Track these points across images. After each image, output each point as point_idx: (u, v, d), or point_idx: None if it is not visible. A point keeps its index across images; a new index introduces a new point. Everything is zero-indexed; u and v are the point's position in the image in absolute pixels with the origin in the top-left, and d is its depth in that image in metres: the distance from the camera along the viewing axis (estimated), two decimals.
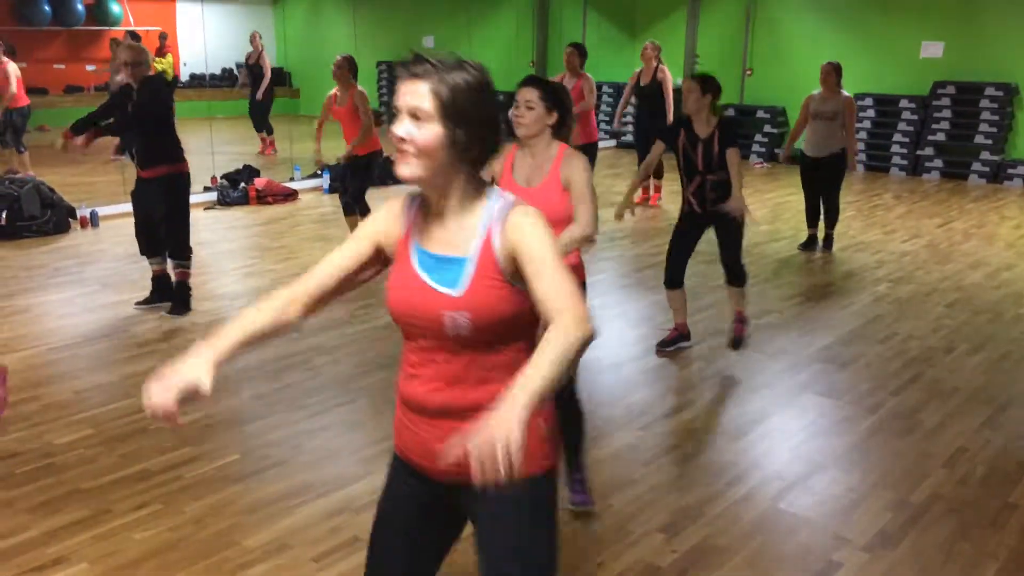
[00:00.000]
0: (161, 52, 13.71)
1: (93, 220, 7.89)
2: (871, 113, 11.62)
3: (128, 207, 8.30)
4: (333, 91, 6.69)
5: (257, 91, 12.27)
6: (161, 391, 1.66)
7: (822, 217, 7.38)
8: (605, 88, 13.58)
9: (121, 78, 5.23)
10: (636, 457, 3.74)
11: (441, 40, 15.53)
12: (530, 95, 3.06)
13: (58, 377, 4.50)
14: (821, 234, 7.43)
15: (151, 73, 5.23)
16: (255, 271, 6.54)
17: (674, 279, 4.91)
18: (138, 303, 5.57)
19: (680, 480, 3.54)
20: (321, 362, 4.72)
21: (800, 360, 4.89)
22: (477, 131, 1.63)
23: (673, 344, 5.00)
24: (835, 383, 4.55)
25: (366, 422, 4.06)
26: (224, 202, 8.89)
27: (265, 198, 9.08)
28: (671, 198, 8.83)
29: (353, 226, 6.93)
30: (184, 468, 3.55)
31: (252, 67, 12.39)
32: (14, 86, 9.69)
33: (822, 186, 7.27)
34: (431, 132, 1.59)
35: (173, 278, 5.50)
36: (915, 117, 11.34)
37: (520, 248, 1.62)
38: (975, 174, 10.97)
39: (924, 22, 11.31)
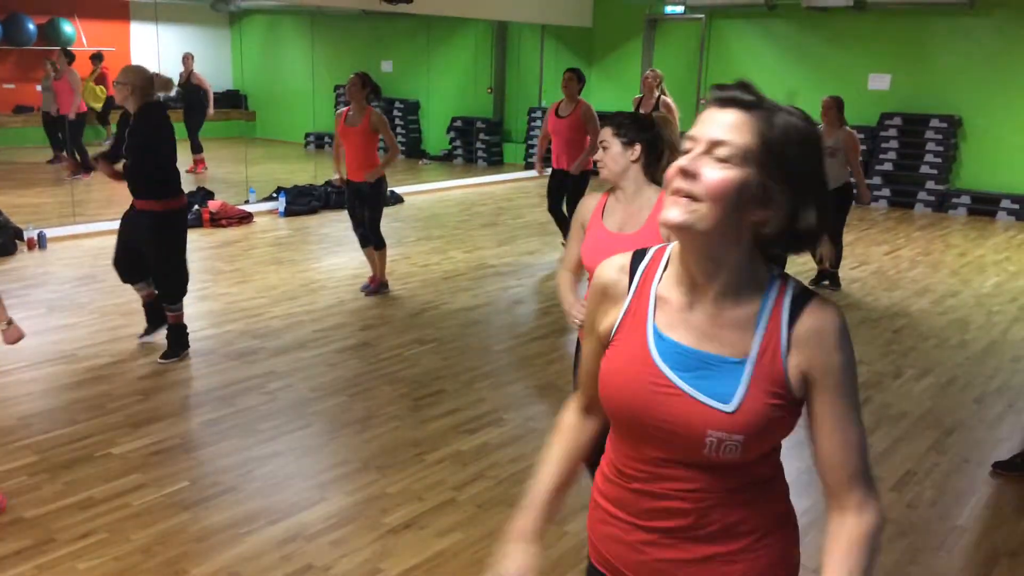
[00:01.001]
0: (97, 78, 13.30)
1: (41, 242, 7.72)
2: None
3: (77, 229, 8.23)
4: (343, 111, 6.40)
5: (195, 111, 12.32)
6: None
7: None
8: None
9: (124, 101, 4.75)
10: (593, 482, 3.74)
11: (400, 65, 15.56)
12: (604, 134, 2.81)
13: (2, 402, 4.38)
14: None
15: (153, 100, 4.78)
16: (208, 294, 6.45)
17: None
18: (141, 336, 5.27)
19: None
20: (275, 387, 4.66)
21: None
22: (795, 193, 1.25)
23: None
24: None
25: (320, 447, 4.01)
26: None
27: (219, 221, 8.98)
28: None
29: (371, 258, 6.57)
30: (131, 496, 3.47)
31: (185, 87, 12.40)
32: None
33: None
34: (734, 175, 1.23)
35: (168, 320, 5.05)
36: (863, 147, 11.58)
37: (823, 369, 1.29)
38: (921, 203, 11.25)
39: (872, 55, 11.61)
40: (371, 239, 6.43)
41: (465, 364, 5.10)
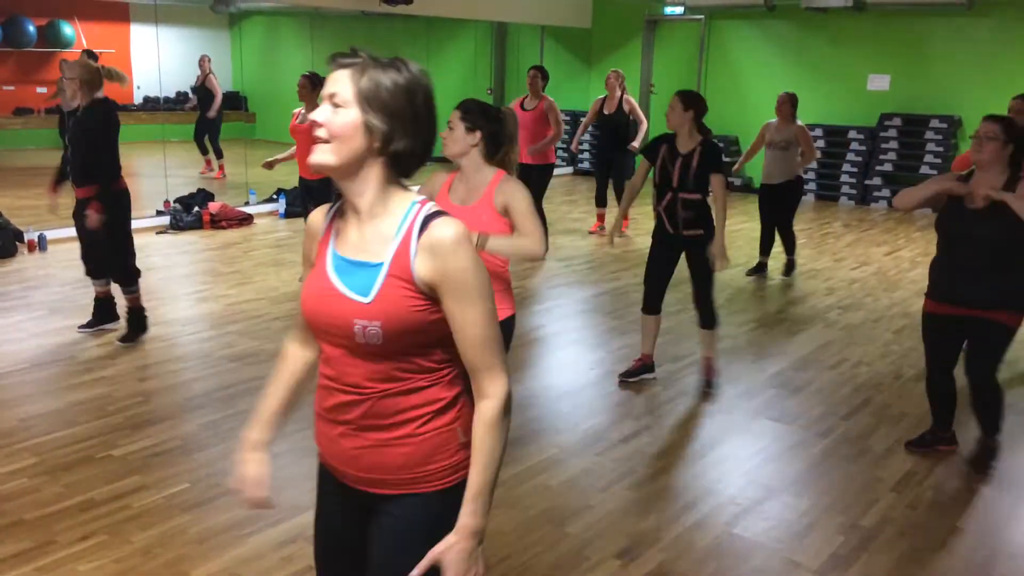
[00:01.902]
0: None
1: (41, 244, 7.72)
2: (821, 144, 11.86)
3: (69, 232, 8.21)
4: (297, 111, 6.58)
5: (206, 113, 12.27)
6: (253, 488, 1.93)
7: (778, 245, 7.52)
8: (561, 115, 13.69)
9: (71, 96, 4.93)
10: (592, 483, 3.74)
11: None
12: (452, 116, 3.12)
13: (2, 404, 4.38)
14: (776, 261, 7.59)
15: (101, 96, 4.95)
16: (208, 296, 6.45)
17: (650, 304, 4.83)
18: (81, 327, 5.47)
19: (636, 506, 3.55)
20: None
21: (754, 386, 4.94)
22: (399, 125, 1.60)
23: (636, 375, 4.91)
24: (788, 408, 4.61)
25: None
26: (177, 226, 8.77)
27: (219, 222, 8.98)
28: (639, 224, 8.91)
29: None
30: (131, 498, 3.47)
31: (198, 90, 12.36)
32: None
33: (778, 213, 7.42)
34: (347, 117, 1.58)
35: (124, 304, 5.32)
36: (863, 148, 11.60)
37: (445, 276, 1.59)
38: None
39: (871, 56, 11.62)
40: None
41: None
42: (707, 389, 4.78)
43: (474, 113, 3.10)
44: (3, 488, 3.51)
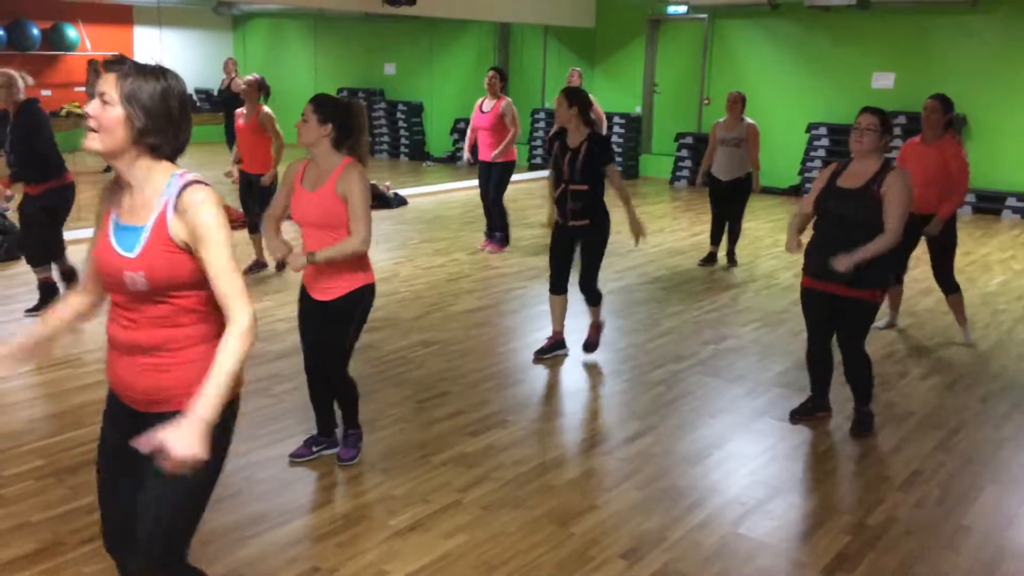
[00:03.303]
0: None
1: None
2: (825, 142, 11.84)
3: (81, 233, 8.22)
4: (239, 110, 7.19)
5: (232, 117, 12.28)
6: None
7: (725, 236, 7.81)
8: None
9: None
10: (597, 483, 3.75)
11: (402, 68, 15.57)
12: (306, 109, 3.44)
13: (8, 407, 4.39)
14: (723, 252, 7.85)
15: (24, 98, 5.53)
16: None
17: (556, 285, 5.20)
18: (28, 310, 5.88)
19: (641, 506, 3.55)
20: (281, 389, 4.66)
21: (758, 385, 4.94)
22: (156, 122, 1.99)
23: (550, 352, 5.27)
24: (793, 408, 4.59)
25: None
26: None
27: None
28: None
29: (258, 244, 7.21)
30: None
31: (223, 92, 12.35)
32: None
33: (729, 207, 7.68)
34: (112, 113, 1.97)
35: (38, 281, 5.90)
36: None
37: (195, 231, 2.00)
38: None
39: (876, 54, 11.60)
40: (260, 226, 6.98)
41: (470, 366, 5.10)
42: (589, 350, 5.22)
43: (326, 106, 3.42)
44: (10, 490, 3.52)
